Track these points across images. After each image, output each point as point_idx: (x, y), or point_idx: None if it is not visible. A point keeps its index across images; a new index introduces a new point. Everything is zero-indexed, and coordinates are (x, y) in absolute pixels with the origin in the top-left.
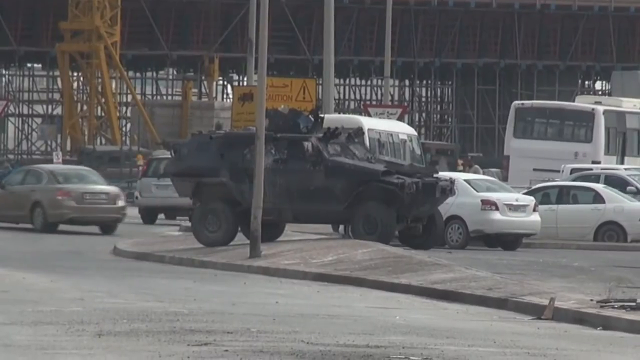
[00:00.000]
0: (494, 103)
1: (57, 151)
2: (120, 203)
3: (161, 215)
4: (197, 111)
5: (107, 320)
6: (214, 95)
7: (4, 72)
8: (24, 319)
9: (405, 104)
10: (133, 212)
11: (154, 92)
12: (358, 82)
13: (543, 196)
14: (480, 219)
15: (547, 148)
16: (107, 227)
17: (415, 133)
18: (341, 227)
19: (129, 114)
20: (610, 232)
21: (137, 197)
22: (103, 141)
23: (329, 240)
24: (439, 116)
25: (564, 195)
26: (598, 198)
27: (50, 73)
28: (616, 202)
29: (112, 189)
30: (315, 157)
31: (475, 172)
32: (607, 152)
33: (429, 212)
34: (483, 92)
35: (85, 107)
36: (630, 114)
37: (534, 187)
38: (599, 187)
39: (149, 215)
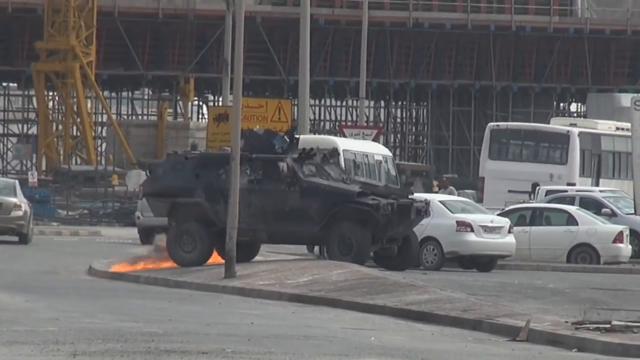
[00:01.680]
0: (469, 124)
1: (33, 170)
2: (17, 214)
3: None
4: (172, 131)
5: (82, 340)
6: (189, 115)
7: None
8: None
9: (381, 125)
10: (133, 232)
11: (130, 112)
12: (333, 103)
13: (519, 218)
14: (455, 241)
15: (522, 170)
16: (20, 236)
17: (391, 154)
18: (316, 248)
19: (104, 134)
20: (583, 254)
21: (138, 217)
22: (78, 161)
23: (304, 261)
24: (414, 137)
25: (537, 217)
26: (571, 220)
27: (26, 92)
28: (589, 224)
29: (9, 200)
30: (290, 178)
31: (451, 193)
32: (582, 174)
33: (404, 233)
34: (458, 113)
35: (60, 127)
36: (605, 136)
37: (507, 208)
38: (572, 209)
39: (147, 235)
